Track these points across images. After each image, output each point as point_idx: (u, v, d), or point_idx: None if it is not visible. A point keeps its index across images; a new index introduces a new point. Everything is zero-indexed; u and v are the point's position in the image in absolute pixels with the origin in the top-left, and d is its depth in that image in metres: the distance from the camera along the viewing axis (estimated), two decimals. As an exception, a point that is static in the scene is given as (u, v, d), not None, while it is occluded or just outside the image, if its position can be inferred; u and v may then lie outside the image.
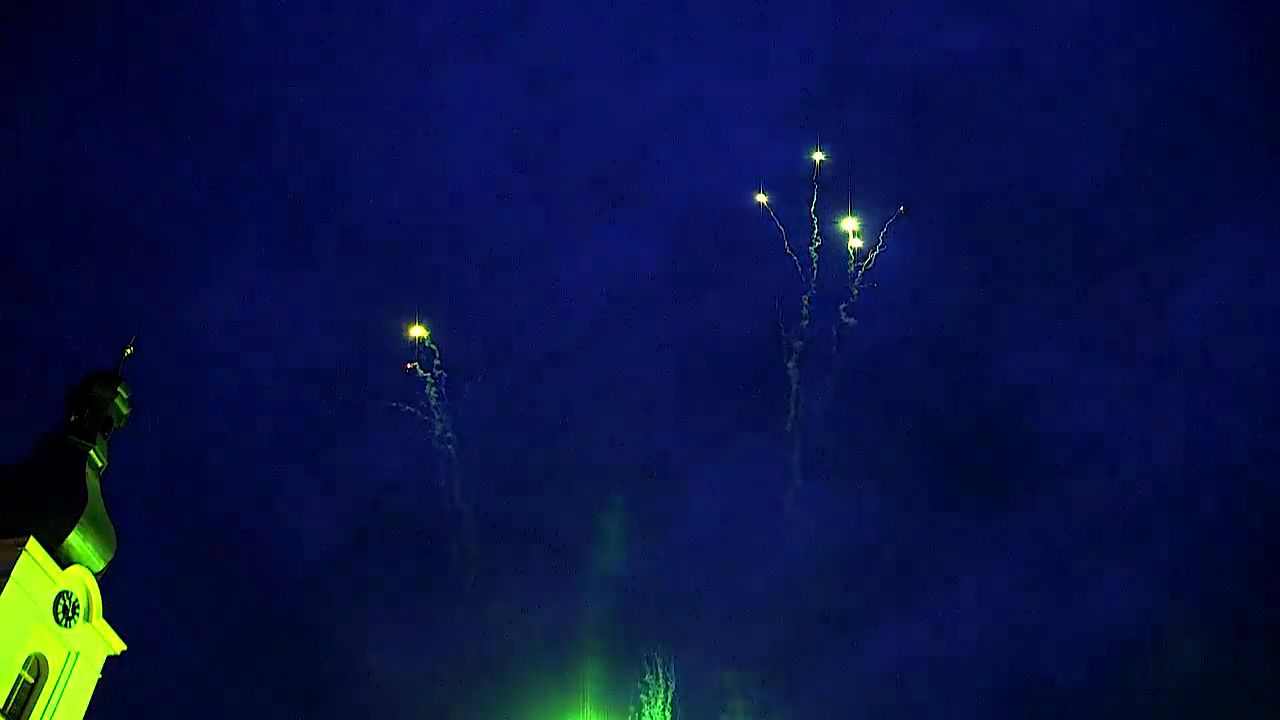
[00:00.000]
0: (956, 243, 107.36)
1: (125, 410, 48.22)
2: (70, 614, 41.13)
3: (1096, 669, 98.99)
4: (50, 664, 40.25)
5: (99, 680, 42.46)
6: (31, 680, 39.69)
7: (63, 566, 40.69)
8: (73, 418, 46.41)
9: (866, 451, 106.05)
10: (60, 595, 40.76)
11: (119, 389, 47.87)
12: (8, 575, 38.14)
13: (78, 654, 41.35)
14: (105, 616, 42.62)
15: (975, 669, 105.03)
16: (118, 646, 43.31)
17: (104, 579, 43.29)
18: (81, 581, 41.74)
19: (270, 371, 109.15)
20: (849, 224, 65.85)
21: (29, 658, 39.47)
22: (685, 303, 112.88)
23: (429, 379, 48.96)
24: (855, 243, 62.92)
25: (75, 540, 41.95)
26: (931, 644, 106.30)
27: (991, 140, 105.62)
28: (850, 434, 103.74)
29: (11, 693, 38.63)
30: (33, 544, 39.09)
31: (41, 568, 39.64)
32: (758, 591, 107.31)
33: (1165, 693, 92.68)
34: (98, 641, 42.48)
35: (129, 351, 49.58)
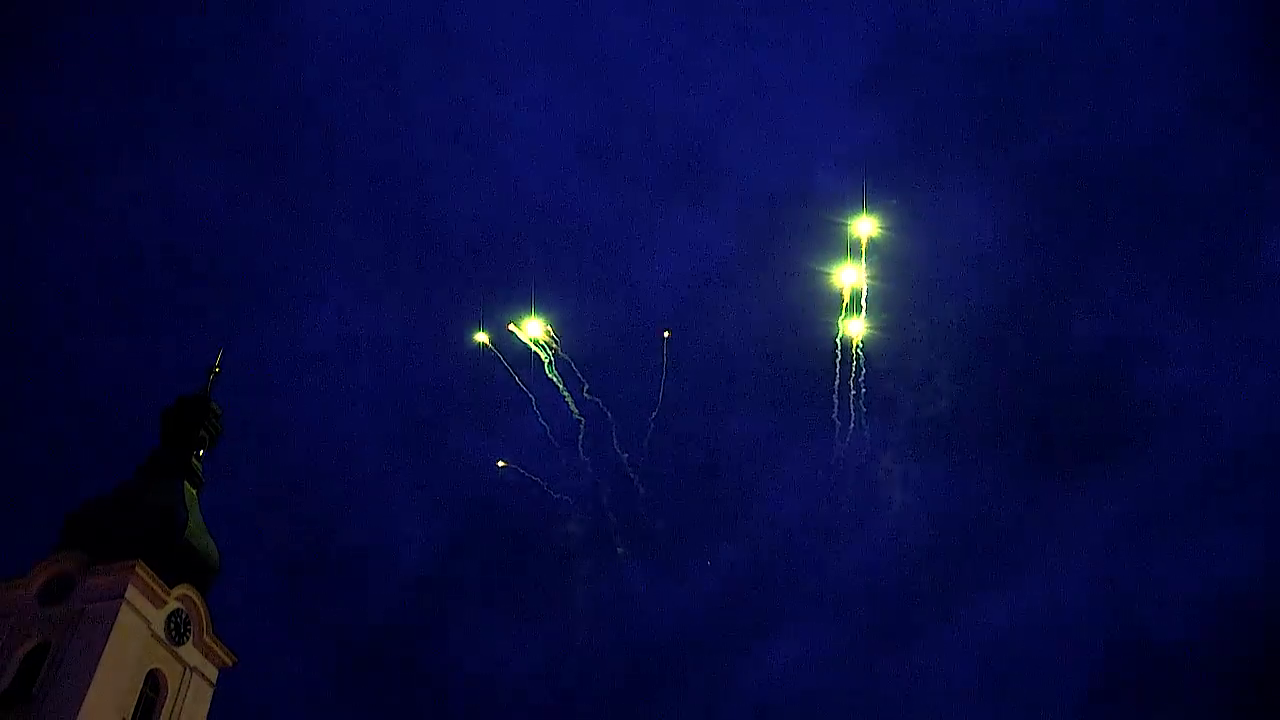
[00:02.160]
0: (1035, 202, 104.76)
1: (217, 430, 49.92)
2: (182, 631, 42.61)
3: (1204, 626, 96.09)
4: (168, 680, 41.74)
5: (214, 691, 43.91)
6: (153, 696, 41.14)
7: (170, 586, 42.11)
8: (167, 441, 48.25)
9: (960, 422, 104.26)
10: (172, 615, 42.22)
11: (210, 409, 49.62)
12: (121, 597, 39.75)
13: (193, 669, 42.87)
14: (215, 630, 44.07)
15: (1081, 631, 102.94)
16: (229, 659, 44.71)
17: (211, 594, 44.84)
18: (190, 599, 43.19)
19: (363, 384, 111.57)
20: None
21: (147, 675, 40.92)
22: (761, 285, 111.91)
23: (550, 367, 49.62)
24: None
25: (180, 559, 43.43)
26: (1037, 608, 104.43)
27: (1063, 98, 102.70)
28: (943, 405, 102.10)
29: (136, 710, 40.05)
30: (141, 566, 40.61)
31: (151, 588, 41.10)
32: (860, 564, 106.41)
33: (1275, 647, 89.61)
34: (210, 655, 43.92)
35: (215, 373, 51.45)
